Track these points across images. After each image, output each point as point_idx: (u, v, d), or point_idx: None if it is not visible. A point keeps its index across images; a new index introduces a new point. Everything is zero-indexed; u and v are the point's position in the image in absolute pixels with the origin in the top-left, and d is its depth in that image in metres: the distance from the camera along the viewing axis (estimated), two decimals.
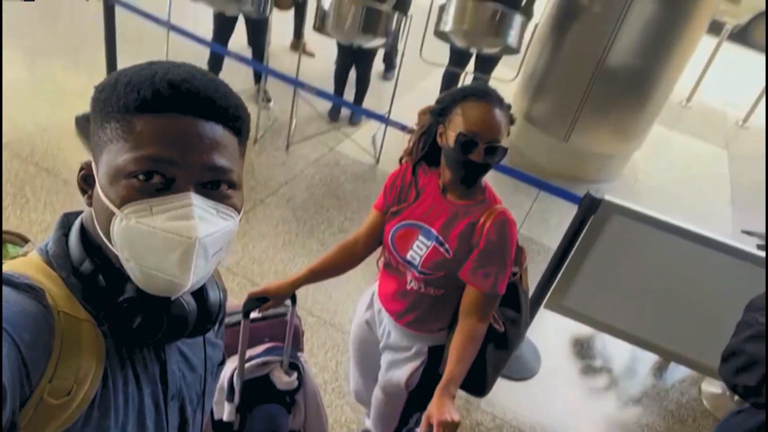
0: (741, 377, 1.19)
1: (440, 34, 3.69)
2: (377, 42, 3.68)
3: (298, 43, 4.57)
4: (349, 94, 4.43)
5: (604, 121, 4.12)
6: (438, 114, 1.42)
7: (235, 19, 4.05)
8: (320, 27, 3.60)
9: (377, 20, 3.50)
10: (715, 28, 5.62)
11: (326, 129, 4.30)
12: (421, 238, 1.46)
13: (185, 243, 0.62)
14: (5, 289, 0.60)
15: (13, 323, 0.57)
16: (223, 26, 4.03)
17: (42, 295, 0.61)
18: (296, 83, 3.62)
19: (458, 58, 4.00)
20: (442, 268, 1.43)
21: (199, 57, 4.02)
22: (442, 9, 3.58)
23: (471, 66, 4.06)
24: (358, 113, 4.39)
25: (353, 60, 4.25)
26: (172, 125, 0.62)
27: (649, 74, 3.88)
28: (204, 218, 0.63)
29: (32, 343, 0.58)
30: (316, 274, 1.59)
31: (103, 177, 0.64)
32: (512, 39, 3.50)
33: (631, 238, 2.16)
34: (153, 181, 0.62)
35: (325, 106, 4.47)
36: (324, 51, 4.91)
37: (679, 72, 4.03)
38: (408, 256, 1.47)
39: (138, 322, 0.65)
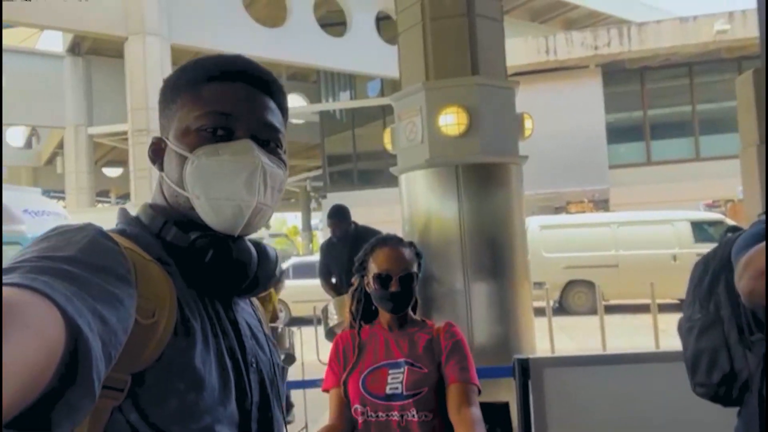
0: (716, 375, 1.31)
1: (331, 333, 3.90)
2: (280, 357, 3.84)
3: None
4: None
5: None
6: (360, 270, 1.73)
7: None
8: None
9: (277, 337, 3.61)
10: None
11: None
12: (391, 372, 1.62)
13: (250, 164, 0.75)
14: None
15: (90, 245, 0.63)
16: None
17: (97, 228, 0.68)
18: None
19: None
20: (424, 383, 1.59)
21: None
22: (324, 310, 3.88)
23: None
24: None
25: None
26: (232, 89, 0.79)
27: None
28: (263, 155, 0.77)
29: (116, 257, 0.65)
30: None
31: (174, 137, 0.78)
32: None
33: (573, 383, 2.38)
34: (218, 133, 0.77)
35: None
36: None
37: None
38: (387, 391, 1.59)
39: (209, 255, 0.73)
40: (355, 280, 1.78)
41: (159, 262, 0.71)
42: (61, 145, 19.73)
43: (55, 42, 20.18)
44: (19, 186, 15.11)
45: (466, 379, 1.59)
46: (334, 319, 3.75)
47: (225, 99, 0.78)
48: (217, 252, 0.74)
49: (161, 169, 0.81)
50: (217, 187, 0.75)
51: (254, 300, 0.93)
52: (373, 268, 1.67)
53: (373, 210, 11.11)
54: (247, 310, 0.86)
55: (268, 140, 0.81)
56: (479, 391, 1.62)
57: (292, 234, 26.03)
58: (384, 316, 1.71)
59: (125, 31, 12.43)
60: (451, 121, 4.26)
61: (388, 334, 1.69)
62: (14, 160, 25.33)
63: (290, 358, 3.59)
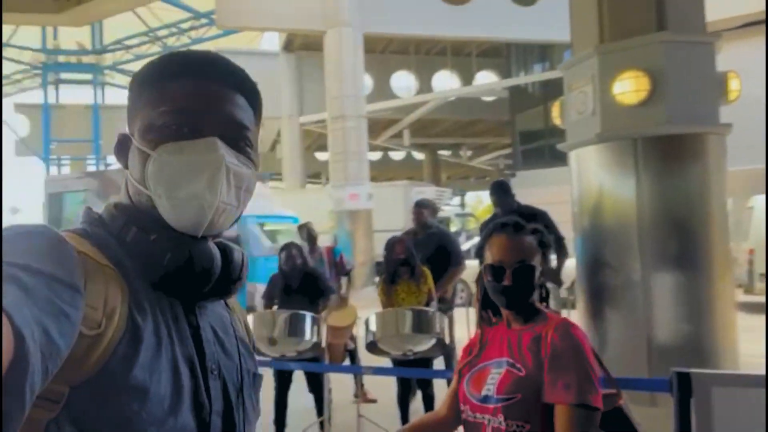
0: None
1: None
2: (429, 343, 3.54)
3: (360, 391, 4.87)
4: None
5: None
6: (480, 257, 1.56)
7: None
8: (372, 347, 3.62)
9: (427, 321, 3.50)
10: None
11: None
12: (493, 371, 1.45)
13: (213, 163, 0.72)
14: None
15: (40, 248, 0.62)
16: (282, 377, 4.03)
17: (54, 231, 0.67)
18: None
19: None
20: (518, 389, 1.38)
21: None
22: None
23: None
24: None
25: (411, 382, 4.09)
26: (199, 86, 0.76)
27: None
28: (228, 154, 0.74)
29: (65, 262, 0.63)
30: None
31: (138, 134, 0.76)
32: None
33: (755, 410, 1.80)
34: (183, 131, 0.73)
35: None
36: (386, 393, 4.51)
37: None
38: (483, 392, 1.44)
39: (167, 258, 0.71)
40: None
41: (116, 264, 0.69)
42: (279, 134, 22.31)
43: (273, 42, 22.80)
44: None
45: (576, 399, 1.29)
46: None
47: (191, 96, 0.75)
48: (176, 255, 0.71)
49: (126, 166, 0.79)
50: (178, 186, 0.72)
51: (232, 302, 0.88)
52: (487, 257, 1.50)
53: (564, 189, 10.39)
54: (217, 313, 0.82)
55: (237, 138, 0.77)
56: (601, 412, 1.32)
57: (483, 214, 25.82)
58: (504, 309, 1.53)
59: (323, 26, 13.48)
60: (629, 87, 3.72)
61: (505, 329, 1.52)
62: None
63: (440, 343, 3.53)
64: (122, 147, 0.79)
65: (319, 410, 3.96)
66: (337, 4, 13.23)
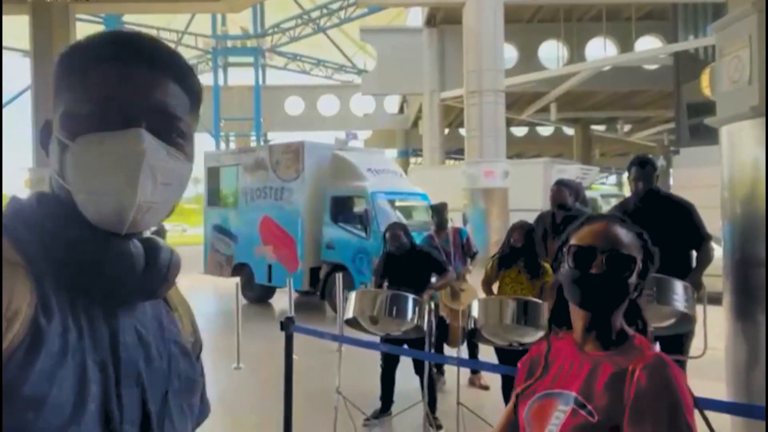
0: None
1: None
2: (536, 335, 3.26)
3: (474, 377, 4.96)
4: None
5: None
6: (559, 257, 1.23)
7: (401, 342, 3.98)
8: (474, 335, 3.49)
9: (534, 313, 3.32)
10: None
11: None
12: (560, 407, 1.14)
13: (134, 158, 0.67)
14: None
15: None
16: (388, 355, 4.04)
17: None
18: None
19: None
20: None
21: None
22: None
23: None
24: None
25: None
26: (126, 71, 0.70)
27: None
28: (153, 147, 0.69)
29: None
30: None
31: (60, 121, 0.71)
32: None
33: None
34: (107, 120, 0.68)
35: None
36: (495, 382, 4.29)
37: None
38: (546, 430, 1.14)
39: (83, 257, 0.68)
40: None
41: (30, 262, 0.66)
42: (420, 110, 22.42)
43: (418, 18, 22.76)
44: (367, 148, 17.84)
45: None
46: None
47: (117, 82, 0.70)
48: (93, 254, 0.68)
49: (47, 155, 0.75)
50: (97, 180, 0.67)
51: (176, 299, 0.83)
52: (572, 242, 1.20)
53: None
54: (150, 314, 0.77)
55: (168, 130, 0.72)
56: None
57: None
58: (577, 321, 1.19)
59: None
60: None
61: (576, 351, 1.18)
62: (390, 124, 30.19)
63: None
64: (45, 134, 0.75)
65: (428, 393, 3.92)
66: None
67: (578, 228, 1.23)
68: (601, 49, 20.97)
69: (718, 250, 3.78)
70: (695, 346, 3.71)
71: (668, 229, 3.49)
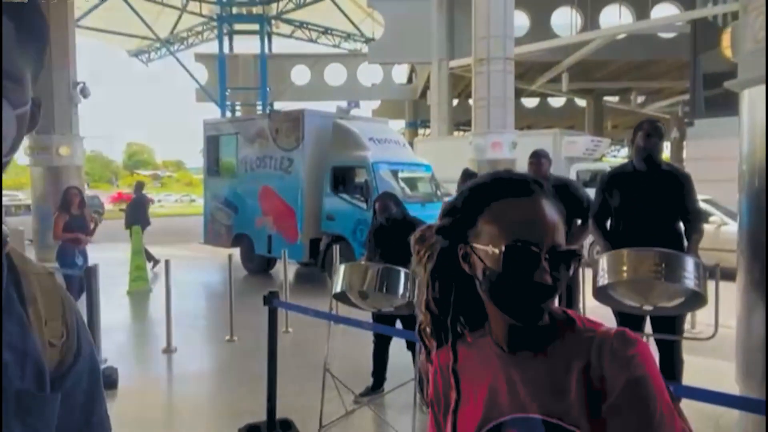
0: None
1: (602, 294, 3.00)
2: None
3: None
4: None
5: None
6: (455, 229, 0.89)
7: (393, 318, 3.93)
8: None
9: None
10: None
11: None
12: None
13: None
14: None
15: None
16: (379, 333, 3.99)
17: None
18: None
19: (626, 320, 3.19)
20: None
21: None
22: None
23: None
24: None
25: None
26: None
27: None
28: None
29: None
30: None
31: None
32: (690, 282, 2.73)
33: None
34: None
35: None
36: None
37: None
38: None
39: None
40: (430, 243, 0.93)
41: None
42: (428, 79, 21.90)
43: None
44: (369, 117, 17.48)
45: None
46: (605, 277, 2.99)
47: None
48: None
49: None
50: None
51: (44, 286, 0.66)
52: (494, 232, 0.84)
53: None
54: None
55: None
56: None
57: None
58: (497, 323, 0.88)
59: None
60: None
61: (503, 357, 0.88)
62: (398, 94, 29.68)
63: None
64: None
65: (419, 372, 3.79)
66: None
67: (496, 198, 0.88)
68: (616, 17, 20.27)
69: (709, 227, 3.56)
70: (704, 322, 3.51)
71: (661, 198, 3.37)
